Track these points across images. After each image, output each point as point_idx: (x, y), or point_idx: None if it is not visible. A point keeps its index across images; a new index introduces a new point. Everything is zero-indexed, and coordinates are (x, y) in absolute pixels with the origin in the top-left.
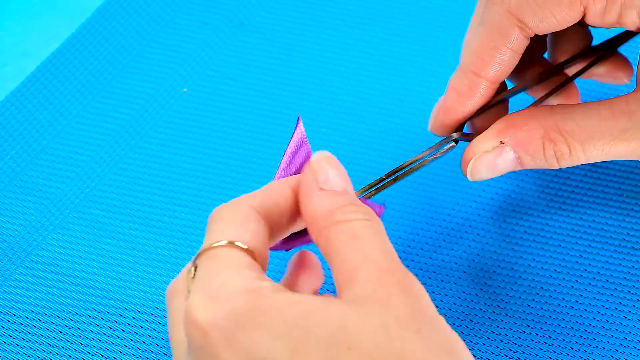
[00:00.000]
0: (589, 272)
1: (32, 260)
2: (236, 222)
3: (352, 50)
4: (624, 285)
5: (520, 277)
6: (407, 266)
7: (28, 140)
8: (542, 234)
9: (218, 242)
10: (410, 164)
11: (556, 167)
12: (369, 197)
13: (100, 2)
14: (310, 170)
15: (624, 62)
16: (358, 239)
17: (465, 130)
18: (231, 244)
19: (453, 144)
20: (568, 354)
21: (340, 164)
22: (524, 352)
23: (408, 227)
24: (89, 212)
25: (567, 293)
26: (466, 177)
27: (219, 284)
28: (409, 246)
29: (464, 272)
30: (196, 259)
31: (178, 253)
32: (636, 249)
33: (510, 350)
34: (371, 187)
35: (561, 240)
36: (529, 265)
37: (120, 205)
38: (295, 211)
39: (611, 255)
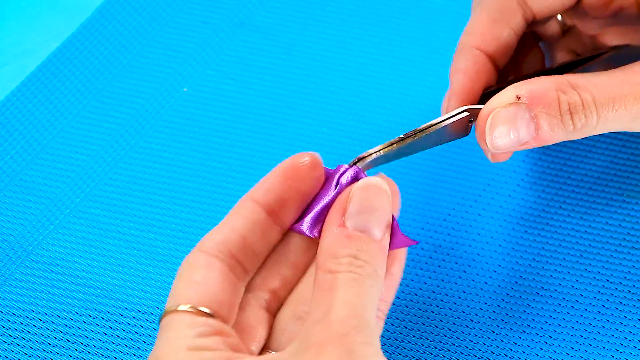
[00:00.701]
0: (589, 272)
1: (33, 260)
2: (187, 278)
3: (352, 50)
4: (624, 285)
5: (521, 277)
6: (408, 265)
7: (28, 140)
8: (542, 233)
9: (171, 305)
10: (424, 129)
11: (570, 128)
12: (389, 150)
13: (100, 1)
14: (346, 196)
15: None
16: (333, 290)
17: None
18: (184, 309)
19: (466, 114)
20: (568, 354)
21: (384, 193)
22: (524, 352)
23: (408, 227)
24: (89, 211)
25: (567, 293)
26: (484, 148)
27: None
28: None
29: (464, 272)
30: (162, 320)
31: (178, 253)
32: (636, 248)
33: (511, 350)
34: (392, 144)
35: (561, 240)
36: (529, 265)
37: (121, 205)
38: (271, 226)
39: (611, 255)
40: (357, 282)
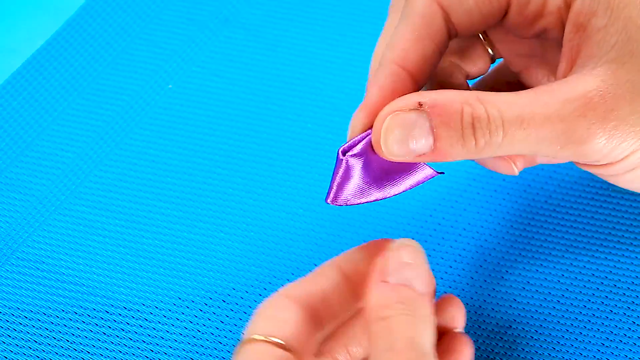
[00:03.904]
0: (574, 266)
1: (18, 258)
2: (269, 315)
3: (337, 46)
4: (609, 280)
5: (507, 271)
6: None
7: (13, 137)
8: (527, 228)
9: (251, 335)
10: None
11: (472, 144)
12: None
13: None
14: (384, 259)
15: None
16: (391, 332)
17: None
18: (263, 338)
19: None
20: (554, 349)
21: (419, 253)
22: (510, 347)
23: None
24: (75, 209)
25: (552, 287)
26: (379, 152)
27: None
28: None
29: (450, 267)
30: (239, 348)
31: (164, 249)
32: (622, 242)
33: (497, 344)
34: None
35: (547, 235)
36: (515, 260)
37: (106, 202)
38: (349, 294)
39: (597, 250)
40: (411, 320)
